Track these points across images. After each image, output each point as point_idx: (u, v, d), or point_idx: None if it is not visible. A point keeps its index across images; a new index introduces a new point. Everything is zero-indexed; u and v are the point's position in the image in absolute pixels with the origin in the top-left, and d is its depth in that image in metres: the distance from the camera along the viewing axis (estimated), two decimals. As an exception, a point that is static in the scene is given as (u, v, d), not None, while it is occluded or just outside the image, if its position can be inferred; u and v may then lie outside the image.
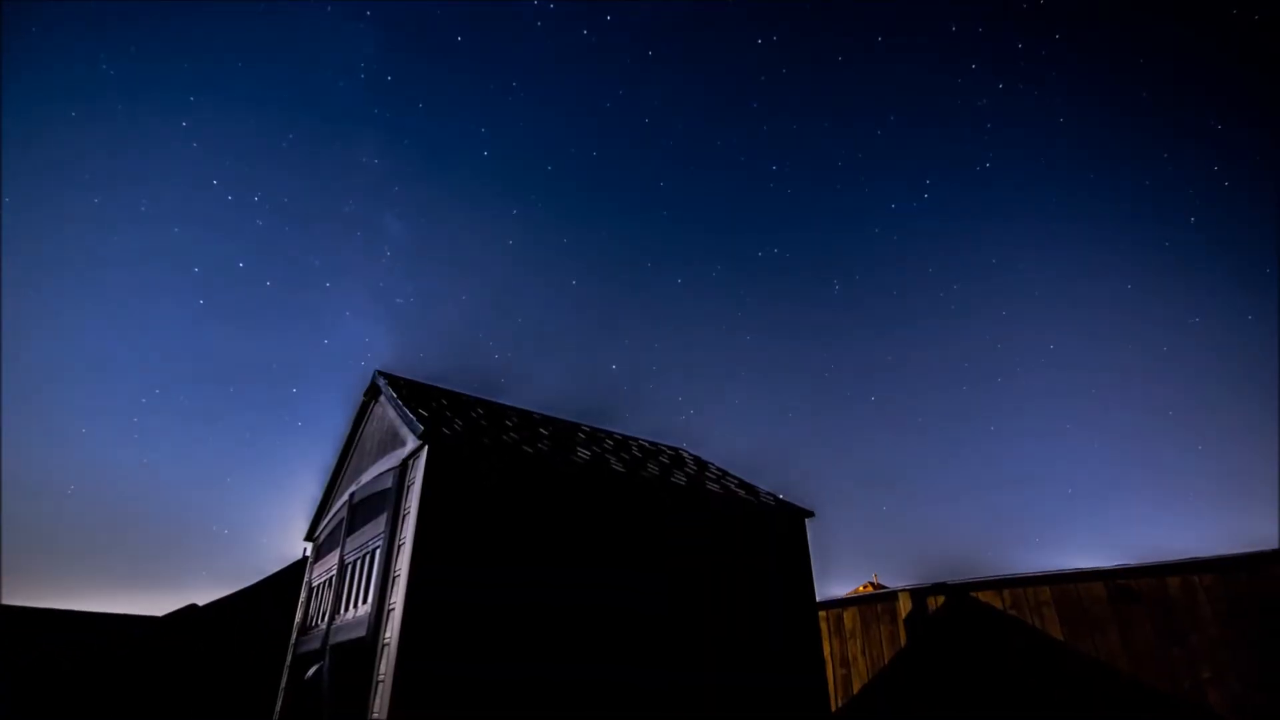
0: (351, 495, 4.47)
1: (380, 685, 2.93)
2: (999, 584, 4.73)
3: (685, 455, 5.83)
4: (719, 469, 5.49)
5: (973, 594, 4.88)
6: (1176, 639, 3.87)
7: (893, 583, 9.19)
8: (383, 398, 4.49)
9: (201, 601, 7.35)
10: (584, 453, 4.17)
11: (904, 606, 5.19)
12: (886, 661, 5.27)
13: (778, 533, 4.43)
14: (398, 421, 3.93)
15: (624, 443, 5.34)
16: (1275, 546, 3.60)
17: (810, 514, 4.63)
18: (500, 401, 5.26)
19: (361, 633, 3.32)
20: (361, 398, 4.96)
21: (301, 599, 5.45)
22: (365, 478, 4.30)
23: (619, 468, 4.03)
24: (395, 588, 3.14)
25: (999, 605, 4.71)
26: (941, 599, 5.06)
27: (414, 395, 4.31)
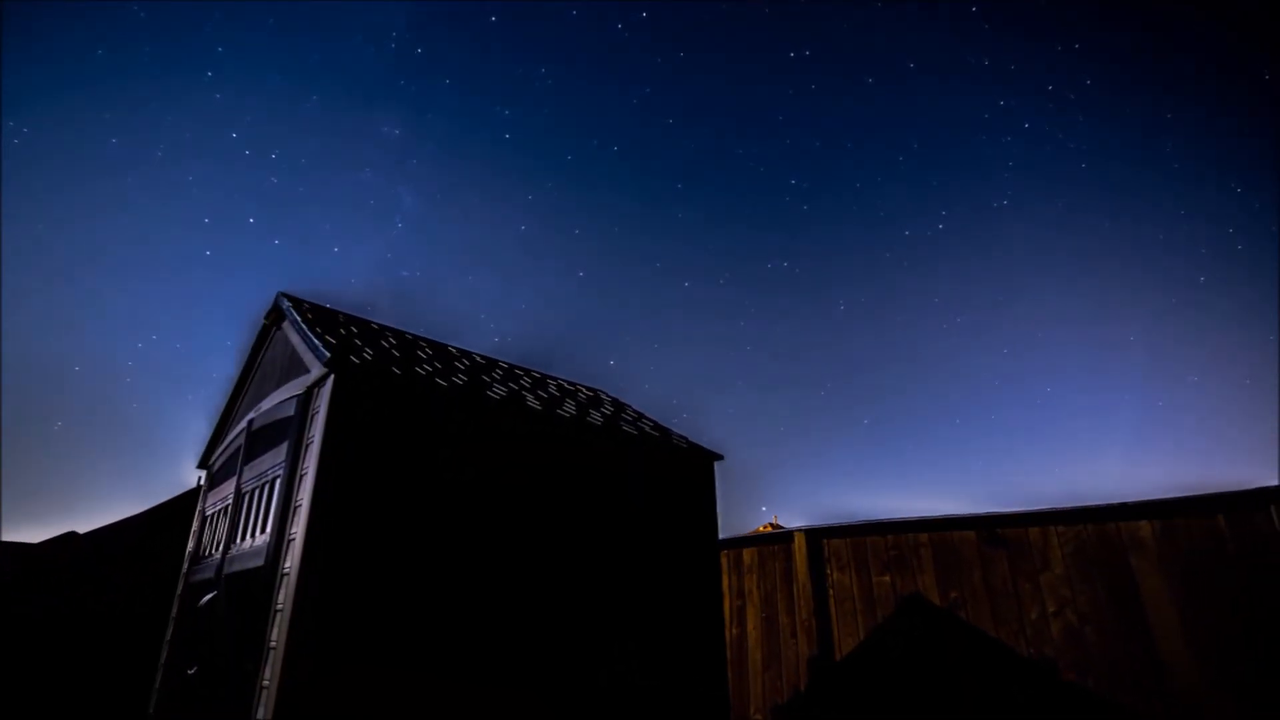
0: (250, 422, 4.25)
1: (279, 614, 2.88)
2: (884, 528, 5.13)
3: (604, 396, 5.89)
4: (635, 411, 5.58)
5: (861, 536, 5.28)
6: (1029, 577, 4.35)
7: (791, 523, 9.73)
8: (286, 322, 4.24)
9: (83, 529, 6.91)
10: (500, 389, 4.13)
11: (799, 546, 5.55)
12: (779, 595, 5.66)
13: (687, 474, 4.59)
14: (302, 347, 3.73)
15: (542, 380, 5.32)
16: (1118, 502, 4.07)
17: (719, 457, 4.81)
18: (413, 332, 5.10)
19: (259, 562, 3.22)
20: (263, 320, 4.67)
21: (194, 528, 5.22)
22: (266, 404, 4.10)
23: (535, 405, 4.02)
24: (296, 518, 3.05)
25: (884, 546, 5.12)
26: (833, 540, 5.45)
27: (320, 320, 4.10)
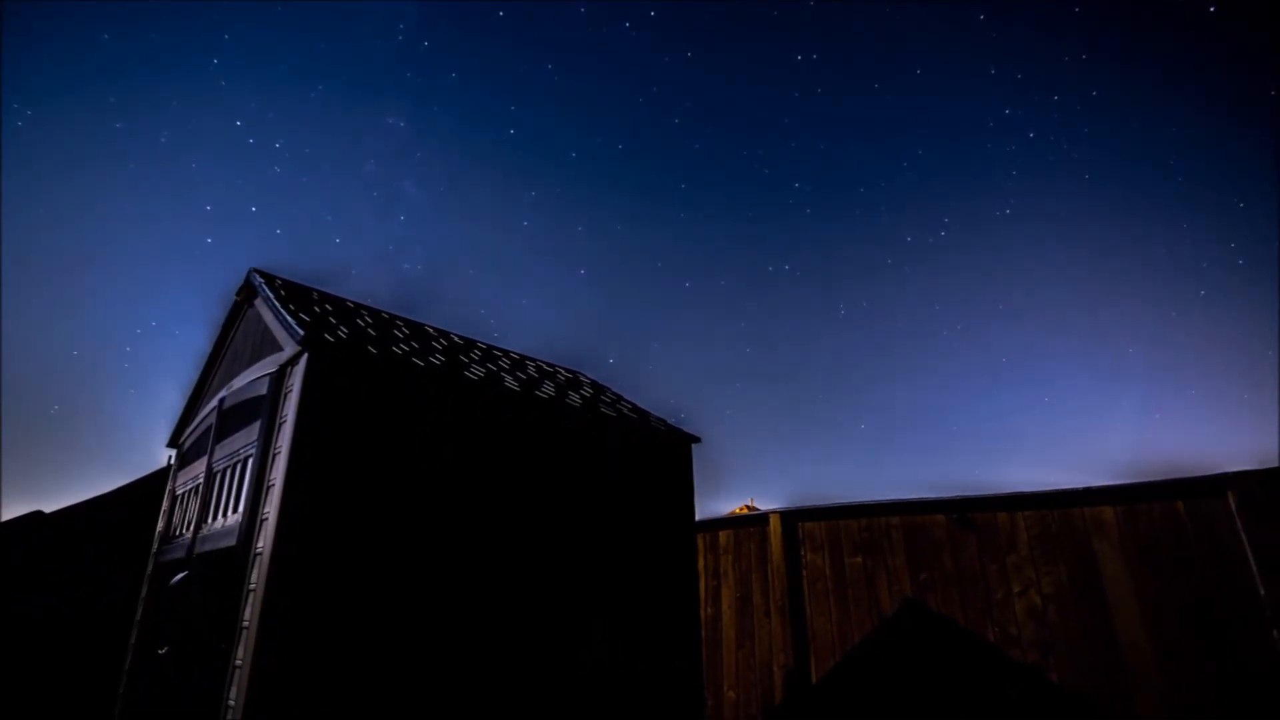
0: (221, 400, 4.18)
1: (251, 594, 2.85)
2: (857, 511, 5.22)
3: (583, 378, 5.88)
4: (614, 393, 5.59)
5: (835, 519, 5.37)
6: (996, 559, 4.47)
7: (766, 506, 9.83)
8: (259, 299, 4.16)
9: (49, 508, 6.76)
10: (478, 369, 4.10)
11: (774, 528, 5.63)
12: (754, 575, 5.75)
13: (665, 456, 4.61)
14: (275, 324, 3.66)
15: (520, 362, 5.29)
16: (1083, 486, 4.18)
17: (697, 439, 4.84)
18: (389, 311, 5.03)
19: (231, 542, 3.19)
20: (234, 297, 4.56)
21: (164, 507, 5.14)
22: (237, 383, 4.03)
23: (514, 386, 4.00)
24: (269, 497, 3.02)
25: (857, 529, 5.22)
26: (808, 523, 5.53)
27: (294, 297, 4.02)
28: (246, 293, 4.52)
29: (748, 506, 10.77)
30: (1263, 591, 3.48)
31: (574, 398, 4.50)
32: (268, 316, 3.87)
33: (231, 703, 2.67)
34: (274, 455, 3.11)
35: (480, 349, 5.11)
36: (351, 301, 4.83)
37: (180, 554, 4.07)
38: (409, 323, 4.96)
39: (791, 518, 5.60)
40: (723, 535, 6.12)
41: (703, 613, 6.00)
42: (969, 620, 4.42)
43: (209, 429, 4.29)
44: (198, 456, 4.48)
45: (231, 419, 3.93)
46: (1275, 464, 3.57)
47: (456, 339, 5.13)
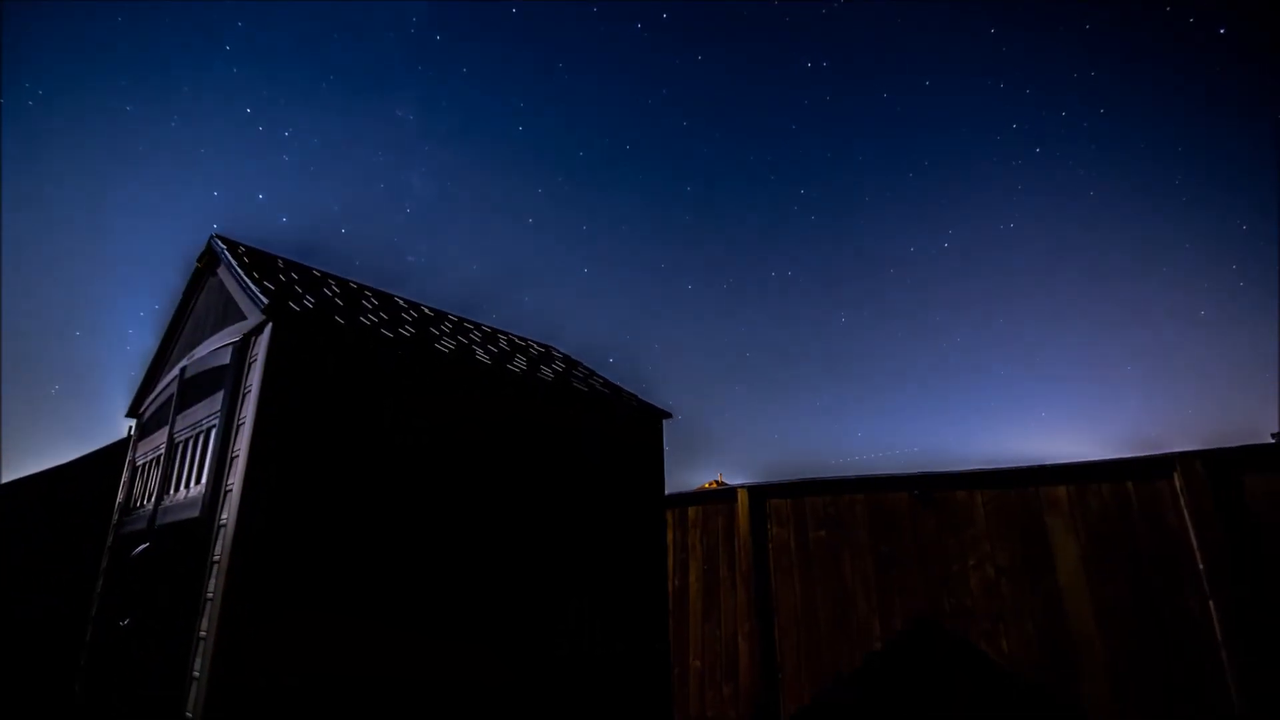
0: (183, 370, 4.08)
1: (215, 566, 2.82)
2: (823, 487, 5.34)
3: (556, 353, 5.86)
4: (587, 368, 5.59)
5: (801, 496, 5.48)
6: (953, 532, 4.62)
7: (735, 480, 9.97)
8: (221, 266, 4.04)
9: (4, 479, 6.56)
10: (449, 342, 4.06)
11: (742, 503, 5.73)
12: (720, 549, 5.86)
13: (636, 432, 4.64)
14: (239, 292, 3.57)
15: (492, 335, 5.25)
16: (1038, 465, 4.33)
17: (668, 415, 4.88)
18: (357, 281, 4.93)
19: (194, 513, 3.14)
20: (195, 264, 4.43)
21: (124, 479, 5.02)
22: (199, 352, 3.93)
23: (485, 359, 3.98)
24: (233, 469, 2.97)
25: (821, 505, 5.34)
26: (775, 499, 5.64)
27: (257, 265, 3.92)
28: (208, 259, 4.39)
29: (717, 481, 10.92)
30: (1201, 566, 3.67)
31: (546, 372, 4.49)
32: (230, 284, 3.77)
33: (197, 674, 2.66)
34: (238, 426, 3.06)
35: (451, 321, 5.05)
36: (318, 270, 4.72)
37: (141, 525, 3.99)
38: (378, 293, 4.88)
39: (759, 493, 5.70)
40: (691, 510, 6.21)
41: (670, 585, 6.11)
42: (927, 592, 4.58)
43: (170, 399, 4.19)
44: (159, 427, 4.37)
45: (193, 389, 3.84)
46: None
47: (427, 310, 5.06)
